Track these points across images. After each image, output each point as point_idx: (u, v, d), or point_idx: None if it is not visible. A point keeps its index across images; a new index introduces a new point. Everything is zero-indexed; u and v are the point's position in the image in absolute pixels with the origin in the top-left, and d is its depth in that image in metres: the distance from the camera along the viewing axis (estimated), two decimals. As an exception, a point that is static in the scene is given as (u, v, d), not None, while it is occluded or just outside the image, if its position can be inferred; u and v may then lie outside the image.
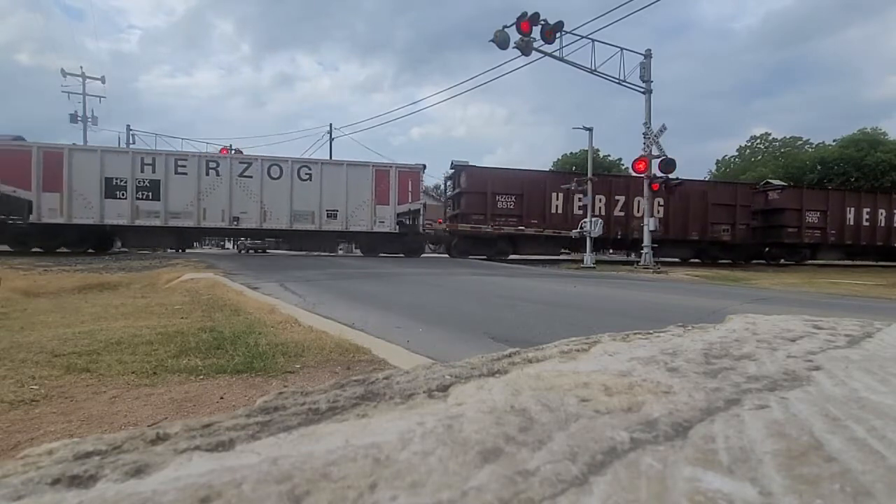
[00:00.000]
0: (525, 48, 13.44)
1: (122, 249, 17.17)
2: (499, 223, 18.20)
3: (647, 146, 15.21)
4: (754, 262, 21.73)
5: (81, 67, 29.45)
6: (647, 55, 15.46)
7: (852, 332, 1.21)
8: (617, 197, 19.43)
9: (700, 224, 20.16)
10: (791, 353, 1.01)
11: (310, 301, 5.39)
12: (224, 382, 2.30)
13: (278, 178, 16.65)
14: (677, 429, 0.60)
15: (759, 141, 47.01)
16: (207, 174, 16.29)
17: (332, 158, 18.31)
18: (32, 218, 14.79)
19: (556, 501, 0.44)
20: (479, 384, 0.77)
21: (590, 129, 18.08)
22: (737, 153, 48.06)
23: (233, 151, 20.45)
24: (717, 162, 49.47)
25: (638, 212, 18.76)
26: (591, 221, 16.86)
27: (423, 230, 17.55)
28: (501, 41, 13.14)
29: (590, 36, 14.64)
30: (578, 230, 17.39)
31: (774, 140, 46.38)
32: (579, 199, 17.99)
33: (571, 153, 43.80)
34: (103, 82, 29.79)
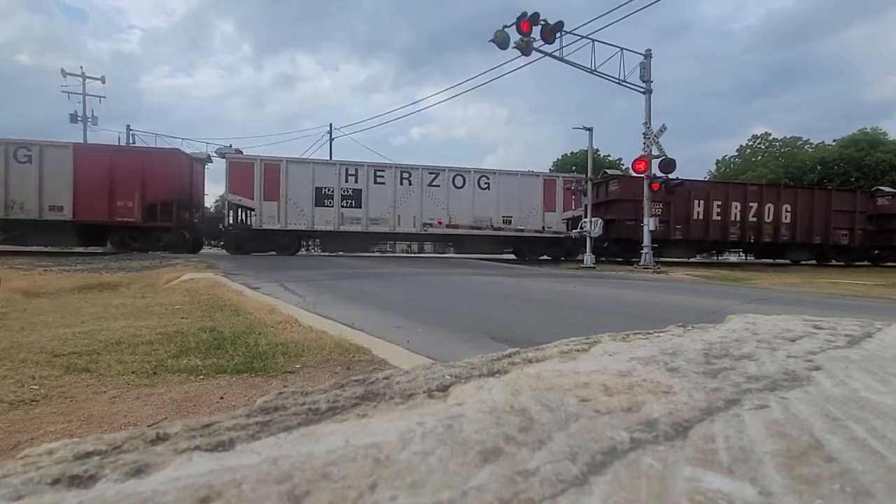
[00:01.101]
0: (525, 48, 13.44)
1: (316, 253, 18.92)
2: None
3: (647, 146, 15.21)
4: (864, 263, 22.72)
5: (81, 67, 29.45)
6: (647, 55, 15.46)
7: (852, 332, 1.21)
8: (751, 203, 20.49)
9: (823, 228, 21.23)
10: (791, 353, 1.01)
11: (310, 301, 5.39)
12: (224, 382, 2.30)
13: (461, 186, 18.22)
14: (677, 429, 0.60)
15: (759, 141, 47.00)
16: (401, 183, 17.82)
17: (507, 168, 19.64)
18: (254, 224, 16.59)
19: (556, 501, 0.44)
20: (479, 384, 0.77)
21: (590, 129, 18.09)
22: (737, 153, 48.07)
23: (233, 151, 20.49)
24: (717, 162, 49.49)
25: (769, 217, 20.32)
26: (591, 221, 16.86)
27: (578, 235, 17.99)
28: (501, 41, 13.14)
29: (590, 36, 14.65)
30: (578, 230, 17.41)
31: (774, 140, 46.39)
32: (590, 197, 18.05)
33: (572, 153, 43.82)
34: (103, 82, 29.79)
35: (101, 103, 32.00)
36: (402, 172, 17.86)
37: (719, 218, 19.78)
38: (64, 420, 1.83)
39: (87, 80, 28.93)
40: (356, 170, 17.54)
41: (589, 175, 17.84)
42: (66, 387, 2.18)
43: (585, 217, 17.23)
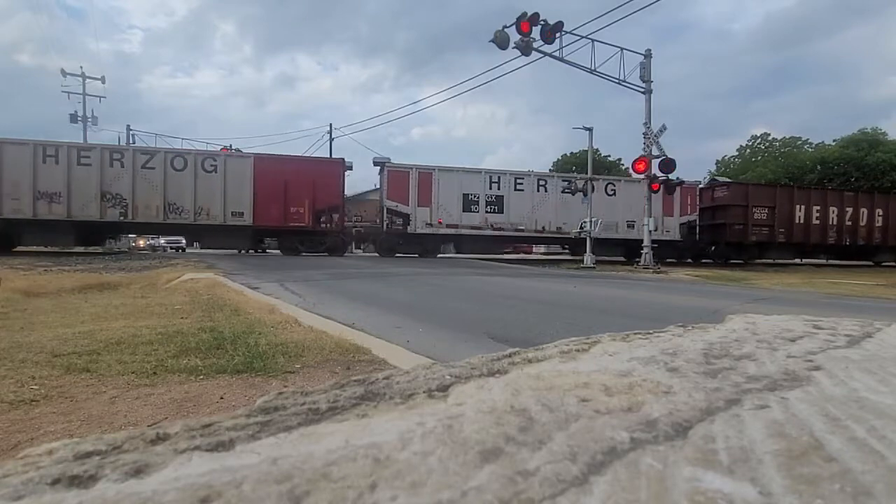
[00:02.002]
0: (525, 48, 13.43)
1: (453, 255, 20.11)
2: (754, 232, 20.36)
3: (647, 146, 15.21)
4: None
5: (81, 67, 29.46)
6: (647, 55, 15.46)
7: (852, 332, 1.21)
8: (847, 208, 21.66)
9: None
10: (791, 353, 1.01)
11: (310, 301, 5.39)
12: (224, 382, 2.30)
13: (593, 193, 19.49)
14: (677, 429, 0.60)
15: (759, 141, 46.97)
16: (538, 190, 19.01)
17: (631, 177, 20.79)
18: (410, 229, 17.92)
19: (556, 501, 0.44)
20: (479, 384, 0.77)
21: (590, 129, 18.10)
22: (737, 153, 48.05)
23: (233, 151, 20.54)
24: (717, 162, 49.47)
25: (863, 221, 21.72)
26: (591, 221, 16.87)
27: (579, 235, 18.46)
28: (501, 41, 13.14)
29: (590, 36, 14.65)
30: (578, 230, 17.42)
31: (774, 140, 46.35)
32: (583, 199, 18.19)
33: (572, 153, 43.80)
34: (103, 82, 29.80)
35: (101, 103, 32.03)
36: (538, 180, 19.25)
37: (818, 222, 20.94)
38: (64, 420, 1.83)
39: (87, 80, 28.95)
40: (499, 177, 18.81)
41: (589, 175, 17.84)
42: (66, 387, 2.18)
43: (586, 217, 17.24)
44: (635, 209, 19.16)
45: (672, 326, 1.28)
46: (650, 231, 15.54)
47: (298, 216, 17.10)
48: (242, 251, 18.57)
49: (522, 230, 18.90)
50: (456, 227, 18.28)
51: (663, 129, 15.22)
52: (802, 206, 20.85)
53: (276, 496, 0.43)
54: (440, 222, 18.22)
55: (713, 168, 48.92)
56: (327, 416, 0.63)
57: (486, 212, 18.55)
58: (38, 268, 9.38)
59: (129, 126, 31.26)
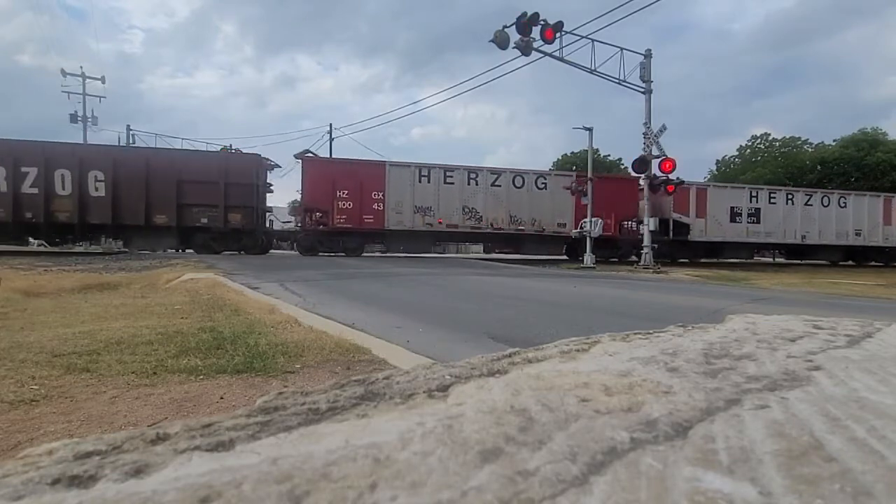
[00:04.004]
0: (525, 48, 13.43)
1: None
2: None
3: (647, 146, 15.21)
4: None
5: (81, 67, 29.44)
6: (647, 55, 15.46)
7: (852, 332, 1.21)
8: None
9: None
10: (791, 353, 1.01)
11: (310, 301, 5.39)
12: (224, 382, 2.30)
13: (827, 206, 21.78)
14: (677, 429, 0.60)
15: (759, 141, 46.93)
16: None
17: (847, 190, 23.07)
18: (691, 237, 19.88)
19: (556, 501, 0.44)
20: (479, 384, 0.77)
21: (590, 129, 18.09)
22: (737, 153, 48.00)
23: (232, 151, 20.50)
24: (717, 162, 49.41)
25: None
26: (591, 221, 16.87)
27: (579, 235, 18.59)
28: (501, 41, 13.13)
29: (590, 36, 14.65)
30: (578, 230, 17.42)
31: (774, 140, 46.30)
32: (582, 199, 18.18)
33: (572, 153, 43.81)
34: (103, 82, 29.79)
35: (101, 103, 31.98)
36: (787, 194, 21.39)
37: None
38: (64, 420, 1.83)
39: (88, 81, 28.95)
40: (757, 192, 21.09)
41: (590, 175, 17.83)
42: (66, 387, 2.18)
43: (586, 217, 17.23)
44: (861, 220, 21.68)
45: (672, 326, 1.28)
46: (650, 231, 15.54)
47: (606, 226, 18.19)
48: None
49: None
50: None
51: (663, 129, 15.22)
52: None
53: (276, 496, 0.43)
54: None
55: (713, 168, 48.96)
56: (327, 416, 0.63)
57: (748, 223, 20.33)
58: (38, 268, 9.38)
59: (129, 126, 31.27)
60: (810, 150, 43.31)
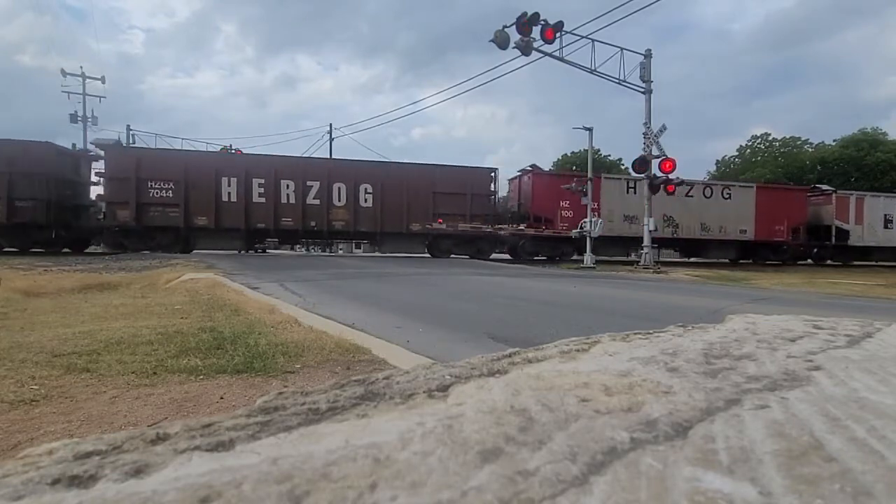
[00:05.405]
0: (525, 48, 13.42)
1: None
2: None
3: (647, 146, 15.21)
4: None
5: (81, 67, 29.35)
6: (647, 55, 15.45)
7: (852, 332, 1.21)
8: None
9: None
10: (791, 353, 1.01)
11: (310, 301, 5.39)
12: (224, 382, 2.30)
13: None
14: (677, 429, 0.60)
15: (759, 141, 46.91)
16: None
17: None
18: (850, 242, 21.79)
19: (556, 501, 0.44)
20: (479, 384, 0.77)
21: (590, 129, 18.09)
22: (737, 153, 47.99)
23: (232, 151, 20.51)
24: (717, 162, 49.41)
25: None
26: (591, 221, 16.87)
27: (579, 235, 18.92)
28: (501, 41, 13.12)
29: (590, 36, 14.64)
30: (578, 230, 17.42)
31: (774, 140, 46.29)
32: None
33: (572, 153, 43.79)
34: (103, 82, 29.67)
35: (101, 103, 31.89)
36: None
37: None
38: (64, 420, 1.83)
39: (88, 81, 28.90)
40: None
41: (589, 175, 17.83)
42: (66, 387, 2.18)
43: (585, 217, 17.24)
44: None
45: (672, 326, 1.28)
46: (650, 231, 15.54)
47: (778, 232, 21.10)
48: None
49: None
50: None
51: (663, 129, 15.22)
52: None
53: (276, 496, 0.43)
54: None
55: (713, 168, 48.94)
56: (327, 416, 0.63)
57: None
58: (38, 268, 9.38)
59: (129, 126, 31.23)
60: (810, 150, 43.33)
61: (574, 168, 31.83)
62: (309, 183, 17.60)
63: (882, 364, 0.92)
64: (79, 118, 28.73)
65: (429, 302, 6.03)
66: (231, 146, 25.43)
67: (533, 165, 20.01)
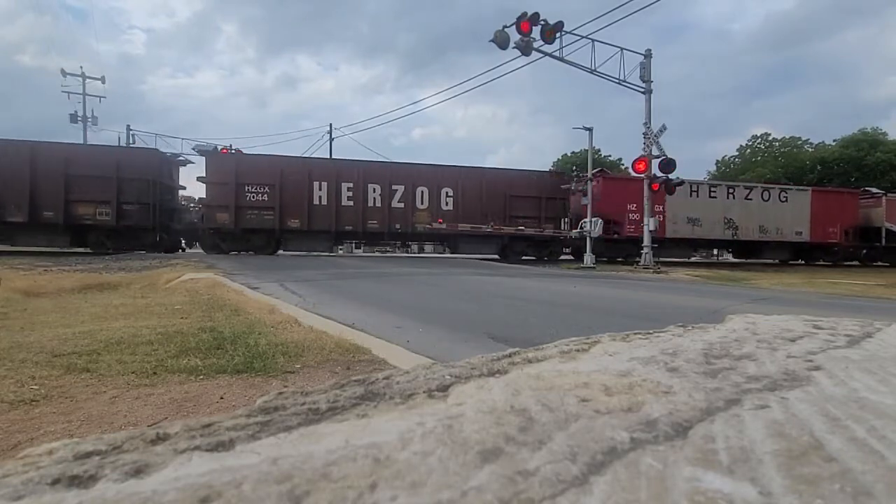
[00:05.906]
0: (525, 48, 13.42)
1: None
2: None
3: (647, 146, 15.21)
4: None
5: (81, 67, 29.37)
6: (647, 55, 15.45)
7: (852, 332, 1.21)
8: None
9: None
10: (791, 353, 1.01)
11: (310, 301, 5.39)
12: (224, 382, 2.30)
13: None
14: (677, 429, 0.60)
15: (759, 141, 46.87)
16: None
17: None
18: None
19: (556, 501, 0.44)
20: (479, 384, 0.77)
21: (590, 129, 18.10)
22: (737, 153, 47.95)
23: (233, 151, 20.48)
24: (717, 162, 49.34)
25: None
26: (591, 221, 16.87)
27: (579, 235, 19.10)
28: (501, 41, 13.12)
29: (590, 36, 14.64)
30: (578, 230, 17.42)
31: (774, 140, 46.25)
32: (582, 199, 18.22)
33: (572, 153, 43.78)
34: (103, 82, 29.70)
35: (101, 103, 31.91)
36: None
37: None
38: (64, 420, 1.83)
39: (88, 81, 28.91)
40: None
41: (590, 175, 17.83)
42: (66, 387, 2.18)
43: (586, 217, 17.24)
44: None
45: (672, 326, 1.28)
46: (650, 231, 15.54)
47: (830, 234, 21.62)
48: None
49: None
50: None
51: (663, 129, 15.22)
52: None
53: (276, 496, 0.43)
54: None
55: (713, 168, 48.92)
56: (327, 416, 0.63)
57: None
58: (38, 268, 9.38)
59: (129, 126, 31.23)
60: (810, 150, 43.29)
61: (574, 168, 31.84)
62: (394, 187, 18.08)
63: (882, 364, 0.92)
64: (79, 118, 28.75)
65: (429, 302, 6.03)
66: (231, 146, 25.41)
67: (601, 170, 20.64)
